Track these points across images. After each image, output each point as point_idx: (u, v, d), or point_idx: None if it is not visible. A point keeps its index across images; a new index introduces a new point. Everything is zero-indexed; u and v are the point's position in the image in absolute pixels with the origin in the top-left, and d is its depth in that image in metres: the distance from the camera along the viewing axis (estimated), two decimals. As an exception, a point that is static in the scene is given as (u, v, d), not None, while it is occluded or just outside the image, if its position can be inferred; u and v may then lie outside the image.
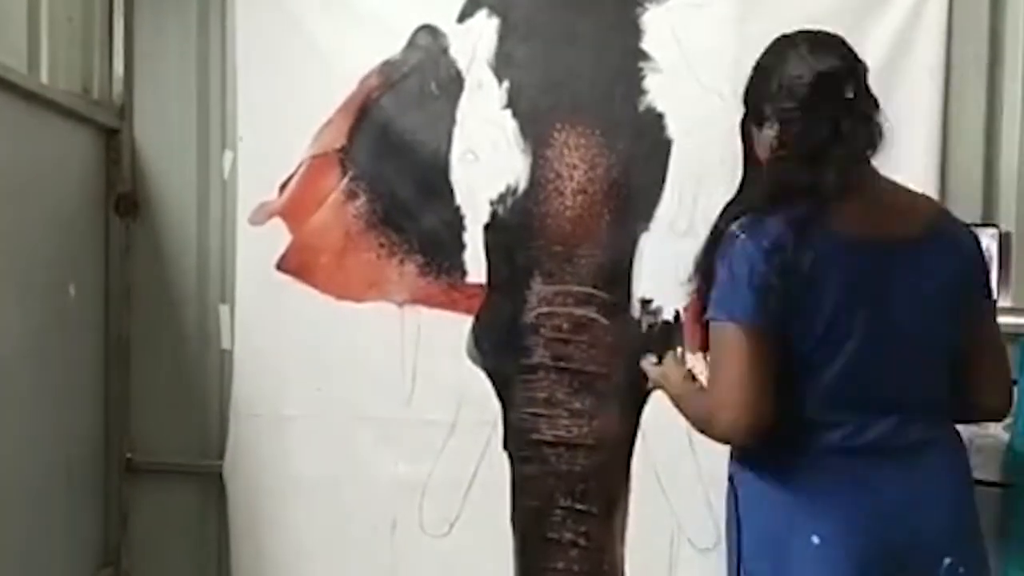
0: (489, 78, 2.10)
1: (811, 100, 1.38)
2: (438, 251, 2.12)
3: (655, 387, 1.72)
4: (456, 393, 2.12)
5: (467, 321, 2.11)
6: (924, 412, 1.41)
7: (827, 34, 1.47)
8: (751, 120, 1.48)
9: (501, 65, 2.09)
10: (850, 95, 1.38)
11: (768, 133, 1.43)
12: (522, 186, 2.08)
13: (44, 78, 1.99)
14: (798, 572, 1.37)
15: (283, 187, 2.15)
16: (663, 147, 2.04)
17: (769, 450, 1.39)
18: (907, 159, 1.99)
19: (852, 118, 1.37)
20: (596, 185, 2.06)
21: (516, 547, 2.11)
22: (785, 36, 1.49)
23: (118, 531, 2.26)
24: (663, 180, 2.04)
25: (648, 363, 1.73)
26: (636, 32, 2.05)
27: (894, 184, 1.45)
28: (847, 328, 1.34)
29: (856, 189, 1.36)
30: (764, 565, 1.42)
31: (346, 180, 2.14)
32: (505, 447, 2.11)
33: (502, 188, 2.09)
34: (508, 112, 2.09)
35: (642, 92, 2.05)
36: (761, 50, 1.99)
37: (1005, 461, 2.05)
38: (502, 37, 2.10)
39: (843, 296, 1.34)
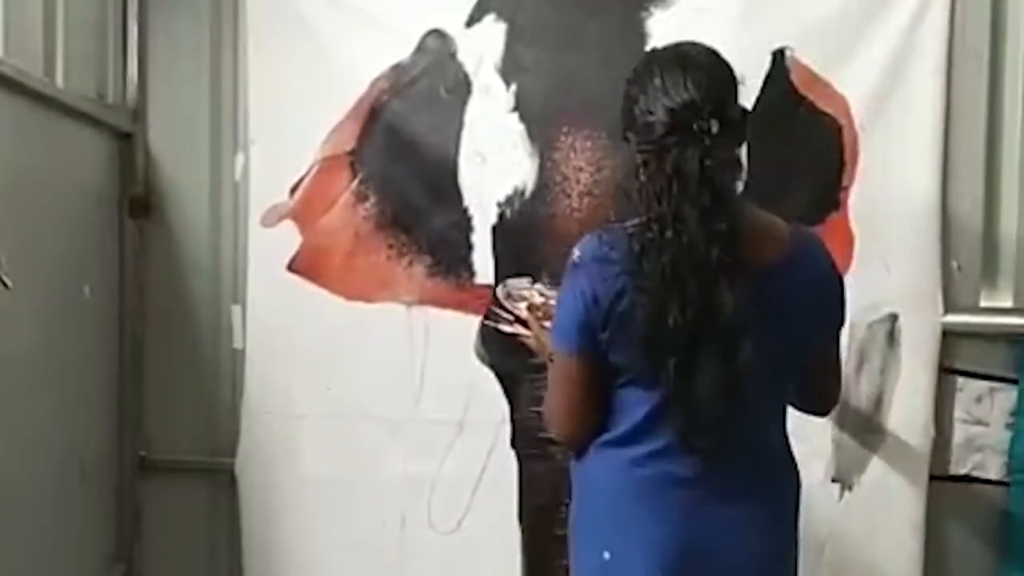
0: (497, 82, 2.12)
1: (662, 140, 1.30)
2: (446, 252, 2.14)
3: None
4: (464, 392, 2.14)
5: (475, 321, 2.13)
6: (751, 444, 1.40)
7: (691, 56, 1.37)
8: (625, 139, 1.42)
9: (509, 69, 2.12)
10: (700, 130, 1.28)
11: (636, 161, 1.37)
12: (529, 188, 2.11)
13: (60, 82, 2.01)
14: None
15: (294, 189, 2.17)
16: (668, 150, 2.07)
17: (588, 458, 1.45)
18: (909, 159, 2.04)
19: (705, 157, 1.28)
20: (602, 187, 2.09)
21: (523, 543, 2.14)
22: (650, 55, 1.45)
23: (131, 527, 2.28)
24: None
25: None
26: (641, 36, 2.07)
27: (755, 213, 1.39)
28: (670, 355, 1.31)
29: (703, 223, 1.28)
30: (577, 566, 1.49)
31: (356, 182, 2.16)
32: (513, 445, 2.14)
33: (510, 190, 2.12)
34: (515, 115, 2.11)
35: (647, 95, 2.08)
36: (765, 54, 2.05)
37: (1007, 460, 2.07)
38: (509, 41, 2.12)
39: (654, 334, 1.30)
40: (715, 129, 1.29)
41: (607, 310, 1.34)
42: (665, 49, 1.42)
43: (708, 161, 1.28)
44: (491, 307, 2.02)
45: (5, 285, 1.69)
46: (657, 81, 1.33)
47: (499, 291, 1.96)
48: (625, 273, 1.33)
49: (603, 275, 1.34)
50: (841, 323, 1.49)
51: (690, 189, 1.27)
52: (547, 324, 1.69)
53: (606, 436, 1.42)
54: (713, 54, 1.39)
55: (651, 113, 1.32)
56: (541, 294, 1.82)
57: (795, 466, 1.49)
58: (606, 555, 1.40)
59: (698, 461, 1.36)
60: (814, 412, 1.59)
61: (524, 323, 1.82)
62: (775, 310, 1.32)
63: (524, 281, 1.92)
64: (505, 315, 1.95)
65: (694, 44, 1.40)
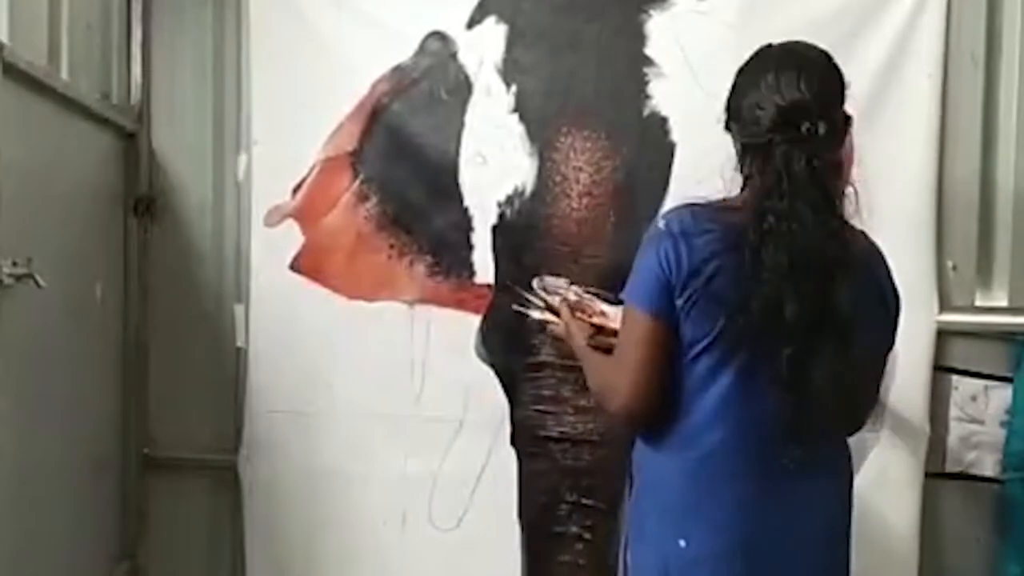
0: (497, 83, 2.14)
1: (769, 136, 1.33)
2: (447, 252, 2.16)
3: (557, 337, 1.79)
4: (464, 390, 2.16)
5: (475, 320, 2.15)
6: (814, 437, 1.38)
7: (806, 56, 1.40)
8: (727, 127, 1.46)
9: (509, 70, 2.14)
10: (808, 131, 1.31)
11: (735, 148, 1.43)
12: (529, 188, 2.13)
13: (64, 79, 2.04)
14: (670, 570, 1.43)
15: (296, 189, 2.19)
16: (667, 150, 2.09)
17: (660, 444, 1.44)
18: (905, 160, 2.05)
19: (812, 158, 1.31)
20: (601, 187, 2.11)
21: (523, 540, 2.16)
22: (765, 50, 1.45)
23: (135, 525, 2.31)
24: (667, 183, 2.08)
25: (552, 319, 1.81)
26: (640, 38, 2.09)
27: (841, 222, 1.39)
28: (742, 340, 1.33)
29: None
30: (646, 554, 1.48)
31: (357, 182, 2.18)
32: (512, 443, 2.16)
33: (510, 190, 2.14)
34: (515, 116, 2.13)
35: (646, 97, 2.10)
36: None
37: (1001, 458, 2.09)
38: (510, 43, 2.14)
39: (748, 307, 1.32)
40: (823, 131, 1.31)
41: (688, 279, 1.34)
42: (781, 46, 1.43)
43: (816, 162, 1.31)
44: (523, 294, 2.01)
45: (38, 284, 1.70)
46: (771, 78, 1.36)
47: (535, 282, 1.95)
48: (725, 250, 1.34)
49: (691, 244, 1.35)
50: (893, 341, 1.50)
51: (800, 187, 1.30)
52: (580, 315, 1.70)
53: (674, 423, 1.41)
54: (827, 57, 1.41)
55: (761, 108, 1.35)
56: (576, 293, 1.81)
57: (850, 455, 1.52)
58: (682, 543, 1.40)
59: (790, 452, 1.35)
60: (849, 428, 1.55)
61: (555, 312, 1.82)
62: (866, 307, 1.37)
63: (562, 280, 1.92)
64: (537, 302, 1.94)
65: (809, 45, 1.42)
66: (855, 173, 2.01)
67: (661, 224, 1.40)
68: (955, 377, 2.10)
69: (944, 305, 2.06)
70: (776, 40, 2.01)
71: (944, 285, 2.07)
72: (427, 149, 2.16)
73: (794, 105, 1.33)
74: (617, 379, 1.43)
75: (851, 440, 2.03)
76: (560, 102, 2.13)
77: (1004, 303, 2.10)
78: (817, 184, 1.31)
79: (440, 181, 2.15)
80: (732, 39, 2.04)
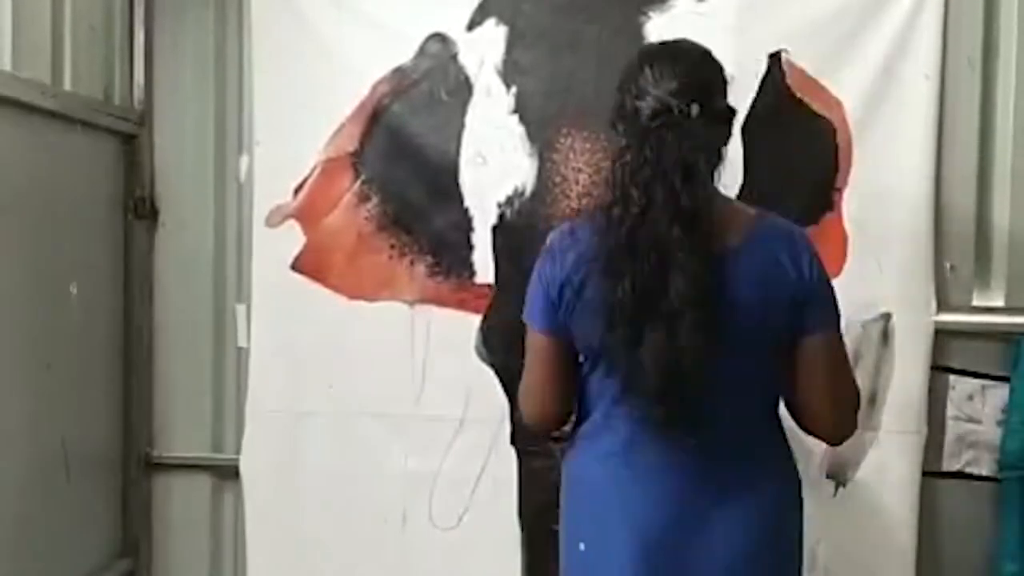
0: (497, 84, 2.15)
1: (646, 124, 1.34)
2: (447, 252, 2.17)
3: None
4: (465, 390, 2.17)
5: (476, 320, 2.16)
6: (725, 429, 1.37)
7: (680, 50, 1.43)
8: (613, 128, 1.45)
9: (509, 72, 2.15)
10: (680, 114, 1.32)
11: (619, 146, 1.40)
12: (529, 189, 2.14)
13: (67, 85, 2.05)
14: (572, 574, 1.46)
15: (297, 190, 2.20)
16: (666, 151, 2.10)
17: (570, 450, 1.50)
18: (903, 162, 2.06)
19: (683, 139, 1.31)
20: (601, 188, 2.11)
21: (523, 539, 2.16)
22: (642, 49, 1.51)
23: (137, 524, 2.31)
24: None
25: None
26: (640, 39, 2.09)
27: (724, 200, 1.42)
28: (626, 330, 1.32)
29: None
30: (562, 557, 1.51)
31: (358, 183, 2.19)
32: (513, 442, 2.16)
33: (510, 191, 2.14)
34: (516, 117, 2.14)
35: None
36: (761, 57, 2.08)
37: (998, 456, 2.10)
38: (510, 45, 2.15)
39: (626, 286, 1.31)
40: (695, 112, 1.33)
41: (560, 291, 1.40)
42: (658, 43, 1.50)
43: (685, 142, 1.31)
44: None
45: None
46: (647, 72, 1.38)
47: None
48: (586, 255, 1.37)
49: (564, 260, 1.40)
50: (821, 325, 1.40)
51: (664, 166, 1.30)
52: None
53: (583, 426, 1.46)
54: (703, 51, 1.44)
55: (640, 100, 1.37)
56: None
57: (790, 463, 1.47)
58: (581, 546, 1.44)
59: (664, 446, 1.35)
60: (818, 433, 1.46)
61: None
62: (734, 294, 1.32)
63: None
64: None
65: (685, 40, 1.46)
66: (852, 172, 2.08)
67: (549, 238, 1.48)
68: (952, 377, 2.11)
69: (942, 305, 2.07)
70: (773, 43, 2.05)
71: (942, 285, 2.08)
72: (427, 150, 2.16)
73: (669, 94, 1.34)
74: (525, 395, 1.52)
75: (850, 440, 2.06)
76: (560, 103, 2.14)
77: (1001, 303, 2.11)
78: (680, 165, 1.30)
79: (440, 182, 2.16)
80: (731, 40, 2.04)
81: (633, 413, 1.37)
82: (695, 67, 1.39)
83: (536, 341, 1.46)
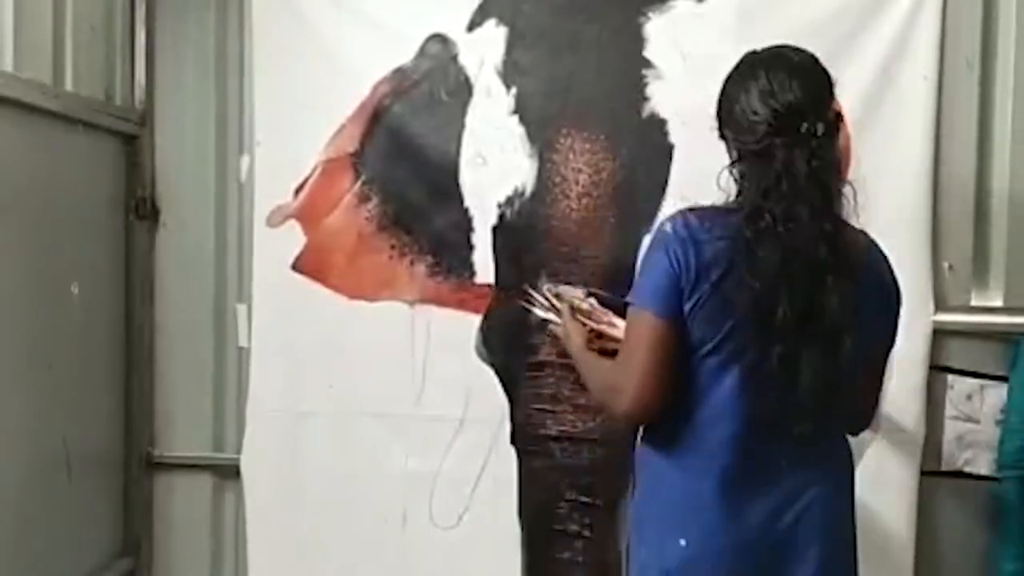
0: (497, 85, 2.16)
1: (766, 139, 1.35)
2: (447, 252, 2.18)
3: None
4: (465, 390, 2.17)
5: (476, 320, 2.17)
6: (809, 436, 1.40)
7: (794, 59, 1.42)
8: (721, 135, 1.49)
9: (509, 72, 2.16)
10: (808, 132, 1.33)
11: (730, 155, 1.45)
12: (529, 189, 2.15)
13: (68, 85, 2.06)
14: (670, 570, 1.44)
15: (298, 190, 2.20)
16: (665, 152, 2.10)
17: (662, 443, 1.47)
18: (902, 161, 2.07)
19: (812, 158, 1.33)
20: (601, 188, 2.12)
21: (523, 538, 2.17)
22: (751, 56, 1.46)
23: (138, 523, 2.32)
24: (665, 184, 2.10)
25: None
26: (639, 40, 2.11)
27: (838, 223, 1.41)
28: (747, 339, 1.36)
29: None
30: (648, 553, 1.49)
31: (359, 184, 2.20)
32: (513, 442, 2.17)
33: (510, 191, 2.15)
34: (516, 118, 2.15)
35: (645, 99, 2.11)
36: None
37: (996, 456, 2.11)
38: (510, 45, 2.16)
39: (749, 307, 1.34)
40: (820, 131, 1.34)
41: (697, 280, 1.37)
42: (767, 51, 1.45)
43: (815, 162, 1.33)
44: (531, 292, 2.04)
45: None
46: (762, 82, 1.38)
47: (547, 287, 2.00)
48: (730, 252, 1.36)
49: (698, 248, 1.37)
50: (894, 339, 1.53)
51: (800, 188, 1.32)
52: (585, 320, 1.75)
53: (680, 423, 1.43)
54: (813, 58, 1.43)
55: (755, 113, 1.37)
56: (591, 305, 1.83)
57: (850, 450, 1.54)
58: (682, 542, 1.43)
59: (785, 448, 1.40)
60: (852, 429, 1.57)
61: (558, 313, 1.86)
62: (861, 311, 1.38)
63: (579, 290, 1.94)
64: (543, 302, 1.97)
65: (795, 48, 1.45)
66: (851, 172, 2.08)
67: (668, 227, 1.42)
68: (951, 376, 2.12)
69: (940, 305, 2.08)
70: (772, 43, 2.04)
71: (940, 285, 2.09)
72: (428, 150, 2.17)
73: (789, 107, 1.35)
74: (623, 380, 1.44)
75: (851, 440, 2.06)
76: (560, 104, 2.14)
77: (999, 303, 2.13)
78: (817, 185, 1.33)
79: (441, 182, 2.17)
80: (730, 41, 2.04)
81: (750, 411, 1.39)
82: (812, 80, 1.39)
83: (651, 326, 1.40)
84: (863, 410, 1.57)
